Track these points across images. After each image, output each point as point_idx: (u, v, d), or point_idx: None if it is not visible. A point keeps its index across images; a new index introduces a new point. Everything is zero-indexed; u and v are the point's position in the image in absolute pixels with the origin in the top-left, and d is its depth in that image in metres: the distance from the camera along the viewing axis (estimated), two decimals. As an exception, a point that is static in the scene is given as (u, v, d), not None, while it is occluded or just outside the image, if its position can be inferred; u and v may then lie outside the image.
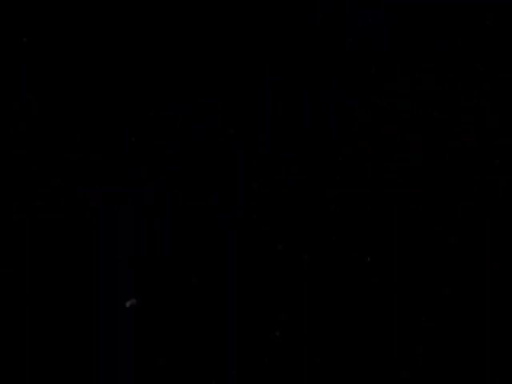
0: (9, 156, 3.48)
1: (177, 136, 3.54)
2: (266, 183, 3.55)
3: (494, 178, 3.43)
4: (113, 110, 3.53)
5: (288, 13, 3.55)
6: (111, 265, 3.48)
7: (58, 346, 3.44)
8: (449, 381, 3.35)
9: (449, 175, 3.45)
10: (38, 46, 3.50)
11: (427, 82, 3.49)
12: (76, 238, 3.48)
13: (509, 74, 3.47)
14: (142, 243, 3.51)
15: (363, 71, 3.51)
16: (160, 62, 3.54)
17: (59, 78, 3.51)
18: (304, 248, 3.51)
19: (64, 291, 3.46)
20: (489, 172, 3.42)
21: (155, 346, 3.46)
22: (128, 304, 3.37)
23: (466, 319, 3.33)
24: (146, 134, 3.54)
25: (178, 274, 3.51)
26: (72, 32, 3.51)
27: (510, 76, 3.47)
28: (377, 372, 3.40)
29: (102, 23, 3.53)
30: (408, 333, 3.41)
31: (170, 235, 3.51)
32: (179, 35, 3.54)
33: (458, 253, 3.36)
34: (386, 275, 3.43)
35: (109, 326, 3.46)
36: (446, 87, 3.48)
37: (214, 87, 3.55)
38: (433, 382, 3.36)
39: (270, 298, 3.51)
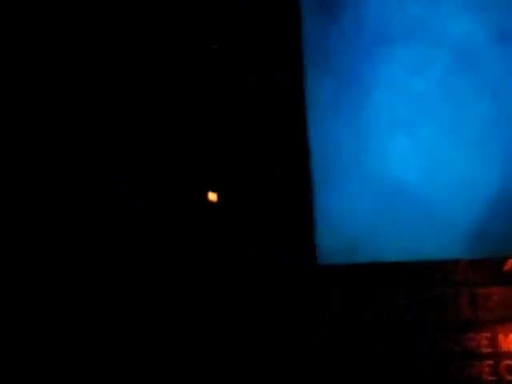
0: (9, 156, 3.48)
1: (177, 136, 3.57)
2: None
3: None
4: (113, 110, 3.56)
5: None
6: (111, 264, 3.48)
7: (59, 345, 3.41)
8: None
9: None
10: (40, 46, 3.52)
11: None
12: (77, 238, 3.48)
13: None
14: (143, 243, 3.52)
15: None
16: (160, 63, 3.59)
17: (59, 77, 3.53)
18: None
19: (64, 291, 3.45)
20: None
21: (155, 346, 3.45)
22: None
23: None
24: (145, 134, 3.57)
25: (179, 273, 3.52)
26: (72, 32, 3.54)
27: None
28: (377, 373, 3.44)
29: (102, 24, 3.57)
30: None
31: (171, 235, 3.53)
32: (180, 36, 3.60)
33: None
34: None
35: (109, 326, 3.45)
36: None
37: (214, 90, 3.60)
38: None
39: (269, 298, 3.54)
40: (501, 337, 3.32)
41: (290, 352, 3.46)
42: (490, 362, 3.31)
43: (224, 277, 3.50)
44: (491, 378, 3.30)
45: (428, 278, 3.39)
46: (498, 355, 3.31)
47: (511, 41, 3.62)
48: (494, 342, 3.32)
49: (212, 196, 3.48)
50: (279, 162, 3.54)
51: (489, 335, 3.32)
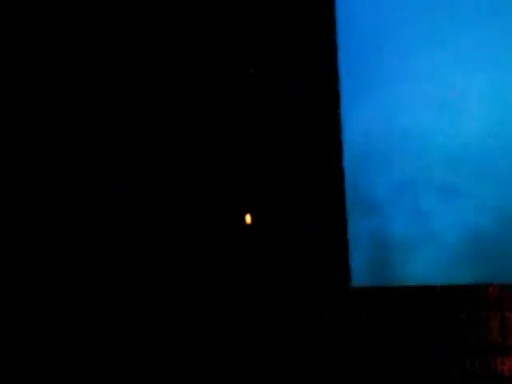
0: (8, 155, 3.51)
1: (176, 136, 3.54)
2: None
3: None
4: (112, 110, 3.54)
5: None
6: (112, 264, 3.51)
7: (59, 345, 3.48)
8: None
9: None
10: (39, 46, 3.51)
11: None
12: (77, 238, 3.50)
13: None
14: (143, 243, 3.52)
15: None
16: (160, 63, 3.53)
17: (59, 77, 3.52)
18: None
19: (64, 291, 3.49)
20: None
21: (155, 346, 3.50)
22: None
23: None
24: (145, 135, 3.55)
25: (180, 272, 3.52)
26: (72, 31, 3.51)
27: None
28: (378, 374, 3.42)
29: (102, 23, 3.53)
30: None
31: (171, 235, 3.53)
32: (181, 37, 3.53)
33: None
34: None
35: (110, 325, 3.50)
36: None
37: (213, 87, 3.53)
38: None
39: (269, 298, 3.52)
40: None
41: (293, 352, 3.45)
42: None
43: (226, 282, 3.50)
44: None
45: (458, 301, 3.48)
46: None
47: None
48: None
49: (247, 218, 3.46)
50: (311, 176, 3.47)
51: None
